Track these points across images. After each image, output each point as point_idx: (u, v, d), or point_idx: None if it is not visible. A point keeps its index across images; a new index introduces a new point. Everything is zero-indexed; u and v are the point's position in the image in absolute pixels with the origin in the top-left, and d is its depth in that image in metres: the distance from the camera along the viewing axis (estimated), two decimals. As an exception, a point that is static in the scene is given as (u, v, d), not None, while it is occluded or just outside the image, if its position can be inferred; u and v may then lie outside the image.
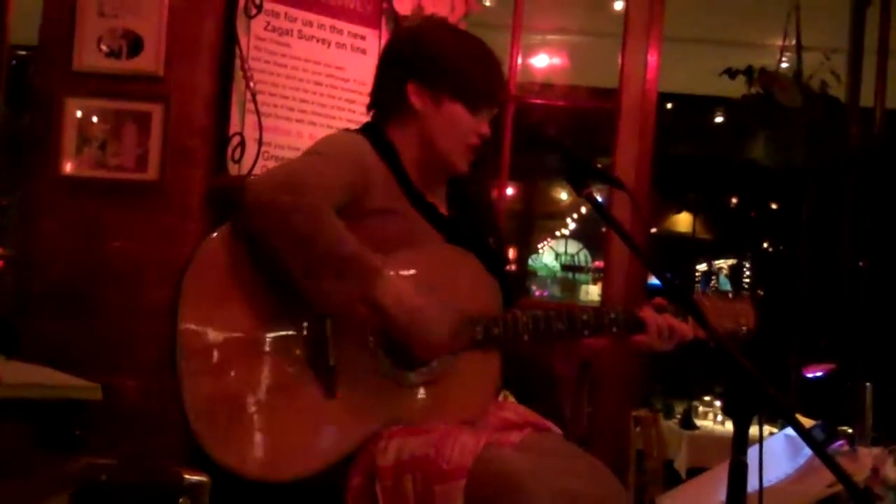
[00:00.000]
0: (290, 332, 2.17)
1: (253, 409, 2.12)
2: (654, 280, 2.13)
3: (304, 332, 2.18)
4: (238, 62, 3.61)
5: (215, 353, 2.13)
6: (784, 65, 6.06)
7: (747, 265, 14.72)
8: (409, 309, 2.13)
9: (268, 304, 2.16)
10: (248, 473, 2.09)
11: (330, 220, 2.14)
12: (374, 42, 3.88)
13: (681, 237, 15.14)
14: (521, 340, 2.33)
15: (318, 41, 3.81)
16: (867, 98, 6.00)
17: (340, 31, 3.85)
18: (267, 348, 2.15)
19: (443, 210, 2.48)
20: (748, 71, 5.84)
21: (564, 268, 17.68)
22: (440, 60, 2.44)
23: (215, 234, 2.19)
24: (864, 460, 3.17)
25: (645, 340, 2.41)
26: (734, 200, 14.06)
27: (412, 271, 2.29)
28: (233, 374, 2.13)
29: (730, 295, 2.58)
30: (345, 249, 2.11)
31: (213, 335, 2.14)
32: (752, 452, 1.88)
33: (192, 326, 2.13)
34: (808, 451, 3.07)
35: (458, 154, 2.44)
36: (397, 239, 2.30)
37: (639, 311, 2.42)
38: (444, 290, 2.29)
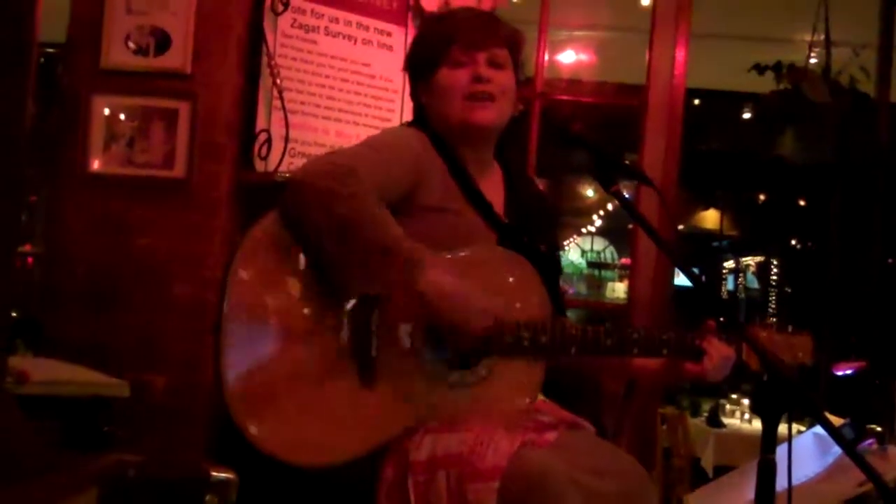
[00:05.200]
0: (335, 320, 2.17)
1: (291, 392, 2.12)
2: (681, 277, 2.12)
3: (349, 321, 2.17)
4: (265, 59, 3.61)
5: (258, 334, 2.13)
6: (813, 60, 6.03)
7: (775, 262, 14.65)
8: (450, 298, 2.12)
9: (314, 290, 2.16)
10: (282, 456, 2.09)
11: (375, 207, 2.13)
12: (400, 38, 3.88)
13: (708, 234, 15.08)
14: (568, 352, 2.31)
15: (344, 38, 3.80)
16: (897, 94, 5.97)
17: (367, 28, 3.85)
18: (310, 333, 2.15)
19: (499, 207, 2.47)
20: (777, 67, 5.82)
21: (591, 265, 17.64)
22: (411, 53, 2.56)
23: (266, 219, 2.19)
24: (893, 459, 3.15)
25: (698, 370, 2.36)
26: (762, 197, 13.99)
27: (465, 272, 2.28)
28: (274, 355, 2.13)
29: (790, 328, 2.52)
30: (389, 237, 2.10)
31: (258, 316, 2.14)
32: (781, 451, 1.87)
33: (238, 305, 2.13)
34: (837, 450, 3.05)
35: (464, 111, 2.42)
36: (450, 238, 2.30)
37: (695, 337, 2.37)
38: (495, 295, 2.27)
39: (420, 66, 2.49)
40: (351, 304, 2.18)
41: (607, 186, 2.19)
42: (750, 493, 1.89)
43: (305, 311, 2.16)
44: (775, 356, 2.39)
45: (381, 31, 3.87)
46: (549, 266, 2.46)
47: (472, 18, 2.54)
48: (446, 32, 2.47)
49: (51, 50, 6.13)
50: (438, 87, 2.44)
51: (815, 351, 2.46)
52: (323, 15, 3.76)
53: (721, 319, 2.37)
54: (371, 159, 2.23)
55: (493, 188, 2.51)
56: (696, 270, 2.08)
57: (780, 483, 1.87)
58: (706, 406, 7.63)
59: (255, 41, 3.64)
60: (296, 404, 2.13)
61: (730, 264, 15.81)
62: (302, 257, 2.17)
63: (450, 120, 2.43)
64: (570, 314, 2.58)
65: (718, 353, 2.35)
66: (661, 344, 2.35)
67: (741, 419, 7.38)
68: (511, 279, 2.34)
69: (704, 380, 2.36)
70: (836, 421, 3.18)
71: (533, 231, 2.50)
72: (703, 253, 14.87)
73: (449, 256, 2.28)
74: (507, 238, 2.41)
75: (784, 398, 1.85)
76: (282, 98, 3.60)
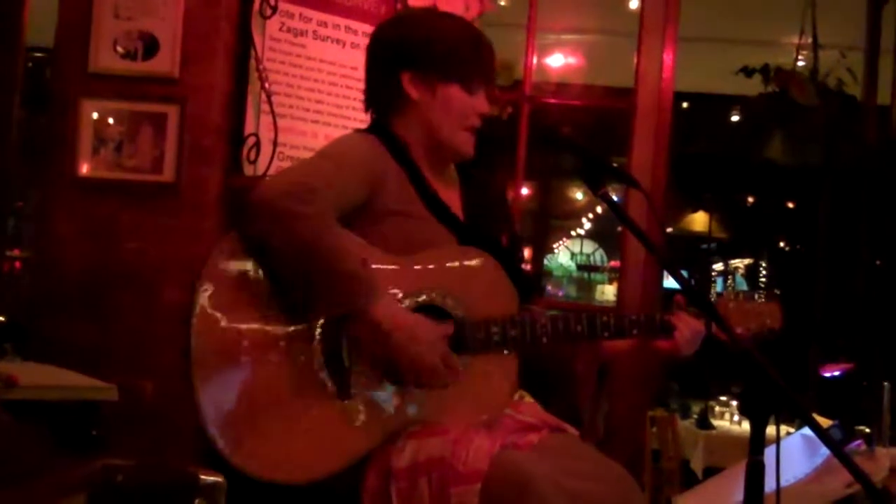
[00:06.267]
0: (305, 334, 2.17)
1: (267, 410, 2.12)
2: (670, 280, 2.13)
3: (319, 335, 2.17)
4: (253, 63, 3.61)
5: (229, 355, 2.13)
6: (800, 63, 6.05)
7: (763, 264, 14.67)
8: (402, 330, 2.14)
9: (281, 308, 2.16)
10: (263, 476, 2.09)
11: (333, 231, 2.14)
12: (388, 42, 3.87)
13: (697, 236, 15.10)
14: (540, 342, 2.32)
15: (333, 41, 3.81)
16: (884, 96, 5.98)
17: (355, 32, 3.85)
18: (281, 350, 2.15)
19: (456, 208, 2.47)
20: (764, 69, 5.83)
21: (580, 268, 17.66)
22: (429, 44, 2.43)
23: (230, 236, 2.19)
24: (881, 460, 3.15)
25: (670, 346, 2.38)
26: (750, 199, 14.02)
27: (429, 274, 2.29)
28: (247, 375, 2.13)
29: (756, 296, 2.55)
30: (345, 263, 2.11)
31: (227, 336, 2.14)
32: (769, 452, 1.87)
33: (206, 328, 2.13)
34: (825, 451, 3.05)
35: (461, 138, 2.44)
36: (411, 242, 2.30)
37: (665, 315, 2.40)
38: (461, 293, 2.28)
39: (434, 65, 2.42)
40: (319, 320, 2.18)
41: (596, 189, 2.20)
42: (738, 495, 1.90)
43: (275, 330, 2.16)
44: (747, 326, 2.43)
45: (370, 35, 3.87)
46: (513, 257, 2.47)
47: (493, 56, 2.52)
48: (482, 62, 2.46)
49: (39, 54, 6.13)
50: (447, 101, 2.42)
51: (784, 316, 2.48)
52: (311, 19, 3.76)
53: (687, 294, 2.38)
54: (327, 173, 2.23)
55: (450, 188, 2.51)
56: (684, 273, 2.08)
57: (769, 484, 1.88)
58: (695, 408, 7.64)
59: (243, 45, 3.64)
60: (275, 425, 2.13)
61: (718, 267, 15.84)
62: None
63: (445, 138, 2.43)
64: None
65: (688, 327, 2.37)
66: (630, 325, 2.37)
67: (730, 421, 7.39)
68: (476, 276, 2.35)
69: (677, 354, 2.38)
70: (825, 422, 3.19)
71: (492, 224, 2.51)
72: (691, 256, 14.89)
73: (417, 267, 2.28)
74: (467, 236, 2.41)
75: (772, 399, 1.86)
76: (270, 102, 3.60)
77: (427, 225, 2.37)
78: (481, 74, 2.45)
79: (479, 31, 2.54)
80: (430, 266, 2.30)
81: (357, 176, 2.29)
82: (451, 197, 2.48)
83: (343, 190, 2.24)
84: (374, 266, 2.21)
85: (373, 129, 2.47)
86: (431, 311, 2.27)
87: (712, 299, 2.55)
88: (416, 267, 2.28)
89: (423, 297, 2.27)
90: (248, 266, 2.16)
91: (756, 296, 2.53)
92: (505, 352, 2.33)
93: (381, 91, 2.50)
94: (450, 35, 2.46)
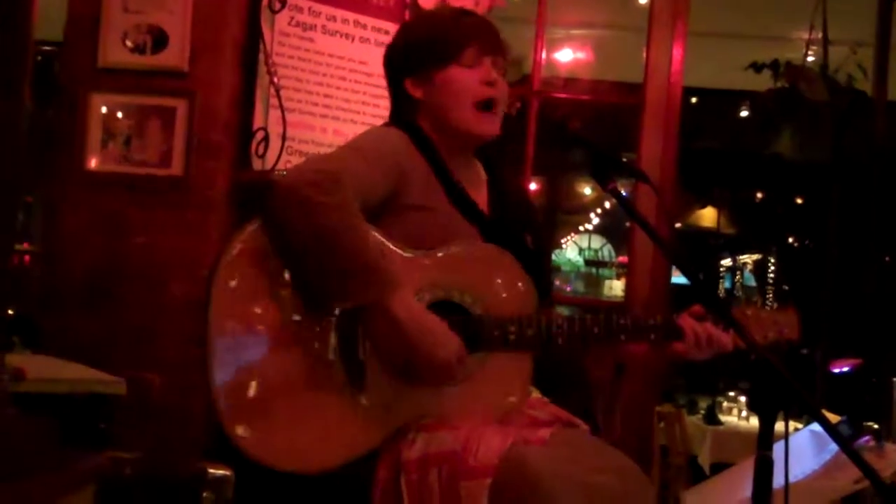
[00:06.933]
0: (321, 325, 2.17)
1: (281, 399, 2.12)
2: (678, 275, 2.12)
3: (335, 325, 2.17)
4: (262, 57, 3.61)
5: (245, 343, 2.13)
6: (810, 58, 6.05)
7: (772, 260, 14.67)
8: (420, 325, 2.13)
9: (298, 297, 2.16)
10: (274, 464, 2.09)
11: (355, 222, 2.13)
12: (397, 37, 3.88)
13: (705, 232, 15.10)
14: (555, 343, 2.31)
15: (341, 36, 3.80)
16: (894, 92, 5.97)
17: (364, 26, 3.85)
18: (297, 339, 2.15)
19: (482, 205, 2.47)
20: (774, 65, 5.83)
21: (588, 263, 17.67)
22: (410, 45, 2.50)
23: (249, 226, 2.19)
24: (890, 456, 3.15)
25: (681, 349, 2.37)
26: (759, 195, 14.01)
27: (449, 270, 2.28)
28: (262, 364, 2.13)
29: (774, 305, 2.53)
30: (366, 255, 2.10)
31: (244, 324, 2.14)
32: (778, 448, 1.87)
33: (223, 315, 2.13)
34: (833, 447, 3.06)
35: (474, 116, 2.42)
36: (433, 236, 2.30)
37: (677, 318, 2.38)
38: (480, 290, 2.28)
39: (423, 59, 2.45)
40: (335, 311, 2.18)
41: (605, 184, 2.19)
42: (747, 491, 1.90)
43: (291, 319, 2.15)
44: (764, 335, 2.41)
45: (379, 30, 3.87)
46: (536, 258, 2.46)
47: (483, 23, 2.54)
48: (463, 32, 2.45)
49: (48, 48, 6.13)
50: (446, 85, 2.42)
51: (801, 326, 2.46)
52: (320, 13, 3.76)
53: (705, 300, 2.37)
54: (355, 165, 2.22)
55: (476, 184, 2.51)
56: (693, 269, 2.08)
57: (777, 480, 1.87)
58: (703, 404, 7.65)
59: (252, 39, 3.64)
60: (287, 413, 2.12)
61: (727, 262, 15.84)
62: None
63: (455, 123, 2.42)
64: (568, 312, 2.59)
65: (693, 332, 2.35)
66: (648, 329, 2.35)
67: (738, 416, 7.40)
68: (495, 273, 2.33)
69: (688, 358, 2.37)
70: (833, 418, 3.19)
71: (517, 224, 2.51)
72: (700, 251, 14.88)
73: (437, 262, 2.28)
74: (491, 233, 2.41)
75: (781, 395, 1.85)
76: (279, 96, 3.60)
77: (451, 220, 2.36)
78: (473, 44, 2.44)
79: (458, 9, 2.57)
80: (451, 262, 2.29)
81: (383, 169, 2.29)
82: (478, 194, 2.48)
83: (369, 182, 2.23)
84: (394, 260, 2.21)
85: (399, 122, 2.47)
86: (450, 307, 2.26)
87: (723, 300, 2.54)
88: (436, 262, 2.27)
89: (442, 292, 2.26)
90: (270, 251, 2.16)
91: (774, 304, 2.53)
92: (520, 351, 2.32)
93: (397, 106, 2.55)
94: (427, 25, 2.53)
